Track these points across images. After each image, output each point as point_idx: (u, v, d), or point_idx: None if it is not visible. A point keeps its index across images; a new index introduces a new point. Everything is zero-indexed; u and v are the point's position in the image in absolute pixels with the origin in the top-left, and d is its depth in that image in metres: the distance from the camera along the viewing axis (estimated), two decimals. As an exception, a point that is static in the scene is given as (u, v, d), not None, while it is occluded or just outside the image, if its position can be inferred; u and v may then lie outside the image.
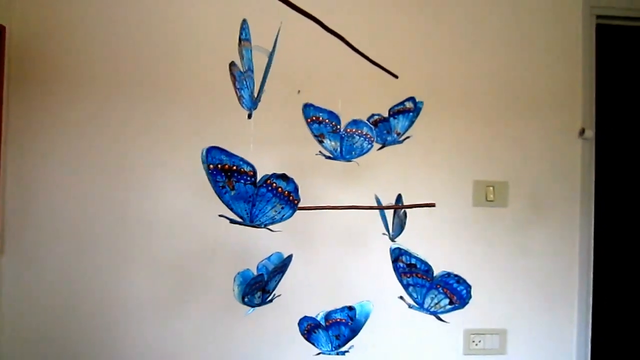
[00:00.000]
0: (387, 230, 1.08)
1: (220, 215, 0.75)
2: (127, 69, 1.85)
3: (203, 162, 0.69)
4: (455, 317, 1.99)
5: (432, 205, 0.91)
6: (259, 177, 0.72)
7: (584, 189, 2.06)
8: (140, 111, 1.85)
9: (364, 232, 1.87)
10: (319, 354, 0.96)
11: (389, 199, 1.11)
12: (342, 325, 0.94)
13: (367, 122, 1.03)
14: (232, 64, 0.81)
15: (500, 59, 2.05)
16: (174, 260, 1.86)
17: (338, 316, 0.95)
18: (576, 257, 2.06)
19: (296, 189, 0.75)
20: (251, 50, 0.81)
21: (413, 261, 0.90)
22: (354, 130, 1.02)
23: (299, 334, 0.92)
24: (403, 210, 1.07)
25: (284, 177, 0.73)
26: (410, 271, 0.91)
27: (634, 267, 2.36)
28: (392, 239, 1.08)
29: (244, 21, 0.80)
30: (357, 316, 0.96)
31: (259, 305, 0.89)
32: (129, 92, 1.85)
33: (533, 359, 2.03)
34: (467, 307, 1.96)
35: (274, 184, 0.73)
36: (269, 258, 0.97)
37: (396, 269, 0.92)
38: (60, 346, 1.82)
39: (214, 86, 1.82)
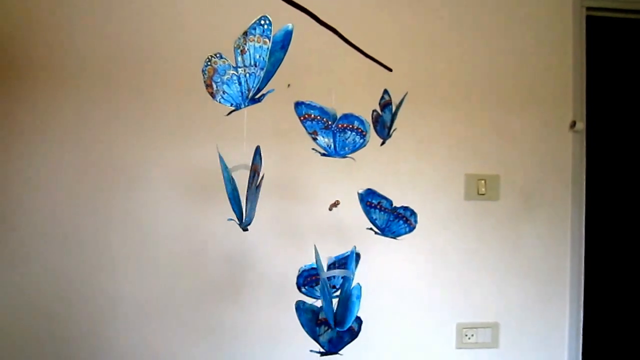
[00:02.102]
0: (374, 224, 1.13)
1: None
2: (113, 66, 1.81)
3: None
4: (447, 312, 2.00)
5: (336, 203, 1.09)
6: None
7: (575, 181, 2.06)
8: (127, 109, 1.82)
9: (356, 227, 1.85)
10: (313, 350, 1.03)
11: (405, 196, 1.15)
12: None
13: (357, 115, 1.01)
14: (215, 56, 0.79)
15: (491, 51, 2.03)
16: (163, 259, 1.83)
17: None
18: (568, 250, 2.06)
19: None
20: (267, 48, 0.79)
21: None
22: (345, 125, 1.00)
23: (294, 332, 1.01)
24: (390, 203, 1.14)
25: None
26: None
27: (625, 260, 2.38)
28: (385, 235, 1.13)
29: (264, 17, 0.79)
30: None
31: None
32: (116, 90, 1.81)
33: (525, 352, 2.04)
34: (459, 300, 1.97)
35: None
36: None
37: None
38: (49, 348, 1.78)
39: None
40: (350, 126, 0.99)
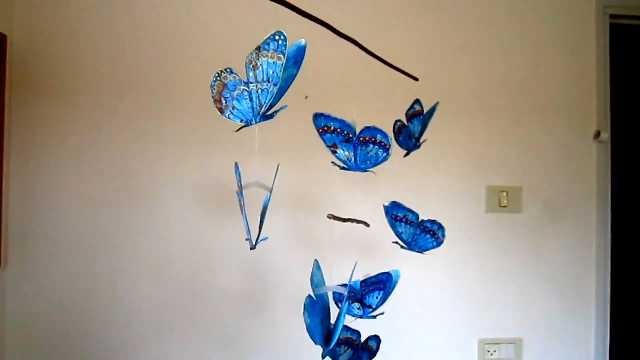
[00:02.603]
0: (400, 238, 1.10)
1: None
2: (130, 76, 1.82)
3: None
4: (469, 327, 1.96)
5: (367, 225, 1.04)
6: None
7: (600, 193, 2.01)
8: (143, 118, 1.82)
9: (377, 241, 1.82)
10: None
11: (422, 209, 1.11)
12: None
13: (380, 129, 0.99)
14: (226, 71, 0.78)
15: (513, 60, 2.00)
16: (179, 270, 1.82)
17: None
18: (593, 264, 2.00)
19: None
20: (282, 64, 0.78)
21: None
22: (367, 138, 0.98)
23: (307, 345, 0.96)
24: (416, 217, 1.11)
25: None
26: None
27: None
28: (412, 249, 1.11)
29: (279, 33, 0.77)
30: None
31: None
32: (132, 99, 1.81)
33: (550, 369, 1.98)
34: (481, 315, 1.93)
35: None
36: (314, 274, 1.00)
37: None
38: (66, 354, 1.78)
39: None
40: (373, 139, 0.96)
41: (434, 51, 1.96)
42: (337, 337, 0.91)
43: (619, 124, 2.10)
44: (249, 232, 0.87)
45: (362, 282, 1.10)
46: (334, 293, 1.07)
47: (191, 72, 1.83)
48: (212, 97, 0.80)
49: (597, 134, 1.99)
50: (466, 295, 1.95)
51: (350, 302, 1.08)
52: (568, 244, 2.00)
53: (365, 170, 0.99)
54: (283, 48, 0.78)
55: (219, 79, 0.79)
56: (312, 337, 0.92)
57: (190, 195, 1.82)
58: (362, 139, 0.97)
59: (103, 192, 1.80)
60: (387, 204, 1.08)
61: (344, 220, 1.01)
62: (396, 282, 1.11)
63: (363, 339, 1.09)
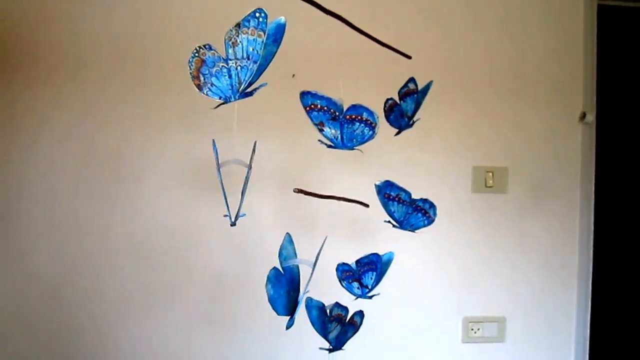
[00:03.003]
0: (392, 216, 1.10)
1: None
2: (113, 57, 1.79)
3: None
4: (453, 306, 1.98)
5: (366, 205, 1.04)
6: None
7: (584, 174, 2.03)
8: (126, 100, 1.79)
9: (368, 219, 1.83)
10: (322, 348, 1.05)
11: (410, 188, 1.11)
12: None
13: (366, 107, 0.98)
14: (204, 47, 0.77)
15: (499, 40, 2.00)
16: (164, 252, 1.81)
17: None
18: (576, 244, 2.03)
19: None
20: (262, 41, 0.77)
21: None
22: (353, 116, 0.97)
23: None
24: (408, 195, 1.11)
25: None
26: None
27: (634, 255, 2.35)
28: (403, 228, 1.12)
29: (259, 10, 0.77)
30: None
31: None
32: (115, 81, 1.79)
33: (532, 346, 2.02)
34: (465, 293, 1.95)
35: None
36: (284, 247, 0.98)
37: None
38: (52, 341, 1.78)
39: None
40: (359, 117, 0.96)
41: (422, 31, 1.95)
42: (299, 310, 0.92)
43: (605, 106, 2.11)
44: (228, 208, 0.87)
45: (357, 261, 1.11)
46: (336, 270, 1.09)
47: (173, 49, 1.80)
48: (190, 73, 0.79)
49: (583, 116, 2.00)
50: (450, 274, 1.97)
51: (350, 280, 1.10)
52: (552, 224, 2.02)
53: (351, 148, 0.99)
54: (263, 25, 0.77)
55: (197, 55, 0.79)
56: (274, 308, 0.92)
57: (173, 173, 1.81)
58: (348, 116, 0.96)
59: (86, 171, 1.78)
60: (379, 182, 1.09)
61: (314, 195, 1.00)
62: (388, 263, 1.13)
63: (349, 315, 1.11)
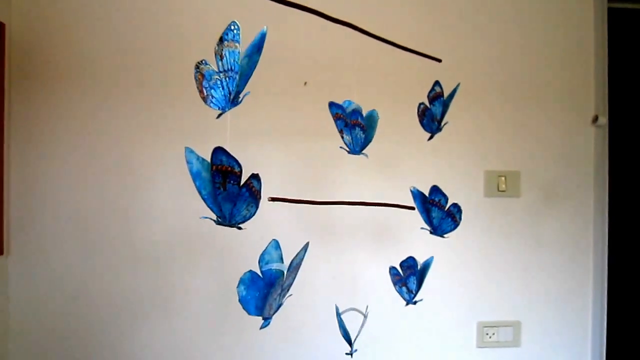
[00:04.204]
0: (431, 223, 1.09)
1: (203, 217, 0.82)
2: (127, 66, 1.82)
3: (211, 162, 0.76)
4: (468, 310, 1.98)
5: (412, 208, 1.03)
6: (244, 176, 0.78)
7: (597, 177, 2.02)
8: (141, 109, 1.82)
9: (394, 225, 1.83)
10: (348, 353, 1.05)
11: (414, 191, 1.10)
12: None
13: (359, 111, 0.99)
14: (202, 63, 0.82)
15: (511, 44, 2.00)
16: (179, 258, 1.83)
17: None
18: (590, 247, 2.02)
19: (261, 187, 0.81)
20: (238, 52, 0.81)
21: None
22: (354, 121, 0.99)
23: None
24: (448, 202, 1.10)
25: (257, 177, 0.79)
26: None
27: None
28: (437, 234, 1.11)
29: (233, 23, 0.81)
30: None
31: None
32: (130, 90, 1.82)
33: (548, 351, 2.01)
34: (480, 298, 1.94)
35: (251, 184, 0.79)
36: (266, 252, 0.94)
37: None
38: (69, 346, 1.80)
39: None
40: (356, 122, 0.98)
41: (437, 36, 1.96)
42: (277, 311, 0.92)
43: (617, 109, 2.10)
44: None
45: (400, 264, 1.11)
46: (390, 274, 1.09)
47: (184, 61, 1.82)
48: (197, 87, 0.83)
49: (595, 118, 2.00)
50: (465, 278, 1.97)
51: (400, 285, 1.10)
52: (566, 228, 2.02)
53: (358, 153, 1.00)
54: (237, 37, 0.81)
55: (198, 70, 0.83)
56: (245, 308, 0.89)
57: (181, 182, 1.81)
58: (352, 122, 0.99)
59: (101, 178, 1.81)
60: (413, 188, 1.07)
61: (289, 201, 0.97)
62: (426, 268, 1.13)
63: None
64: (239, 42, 0.81)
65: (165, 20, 1.84)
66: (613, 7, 2.06)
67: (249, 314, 0.90)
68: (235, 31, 0.81)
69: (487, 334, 1.97)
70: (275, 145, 1.84)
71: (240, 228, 0.83)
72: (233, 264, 1.84)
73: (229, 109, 0.84)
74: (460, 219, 1.09)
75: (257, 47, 0.84)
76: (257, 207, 0.82)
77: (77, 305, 1.80)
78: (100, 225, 1.81)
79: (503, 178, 1.97)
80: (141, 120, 1.82)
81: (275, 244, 0.94)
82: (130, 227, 1.82)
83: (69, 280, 1.80)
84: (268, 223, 1.07)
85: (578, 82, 2.02)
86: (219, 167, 0.77)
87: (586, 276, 2.02)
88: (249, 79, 0.84)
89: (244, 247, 1.76)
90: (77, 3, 1.80)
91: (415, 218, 1.13)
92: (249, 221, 0.87)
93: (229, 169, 0.77)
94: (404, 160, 1.91)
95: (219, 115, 0.85)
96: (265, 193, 0.88)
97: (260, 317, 0.89)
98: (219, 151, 0.75)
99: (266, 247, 0.94)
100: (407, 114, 1.87)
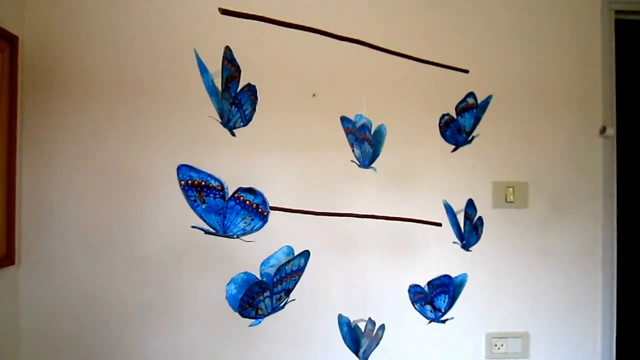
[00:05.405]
0: (463, 236, 1.07)
1: (193, 227, 0.81)
2: (135, 80, 1.84)
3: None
4: (477, 321, 1.97)
5: (439, 224, 1.03)
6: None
7: (605, 188, 2.02)
8: (149, 121, 1.84)
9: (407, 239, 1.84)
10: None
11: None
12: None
13: (368, 126, 0.99)
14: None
15: (518, 56, 2.01)
16: (186, 266, 1.84)
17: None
18: (599, 258, 2.01)
19: (264, 201, 0.80)
20: (211, 76, 0.87)
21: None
22: (362, 135, 0.98)
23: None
24: (477, 215, 1.10)
25: (250, 190, 0.79)
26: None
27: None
28: (465, 248, 1.10)
29: (226, 47, 0.86)
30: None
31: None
32: (136, 100, 1.84)
33: (557, 362, 2.00)
34: (488, 309, 1.93)
35: (242, 197, 0.79)
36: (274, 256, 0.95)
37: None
38: (79, 353, 1.81)
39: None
40: (363, 136, 0.97)
41: (444, 48, 1.97)
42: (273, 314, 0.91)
43: (625, 120, 2.10)
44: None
45: (428, 283, 1.07)
46: (409, 292, 1.07)
47: (190, 76, 1.83)
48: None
49: (603, 130, 2.00)
50: (473, 289, 1.95)
51: (423, 303, 1.07)
52: (574, 239, 2.01)
53: (367, 167, 0.99)
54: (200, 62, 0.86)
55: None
56: (231, 304, 0.90)
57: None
58: (361, 136, 0.98)
59: (110, 187, 1.82)
60: (445, 202, 1.06)
61: (300, 212, 0.99)
62: (461, 285, 1.10)
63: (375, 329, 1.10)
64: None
65: (174, 33, 1.86)
66: (620, 18, 2.07)
67: (234, 310, 0.88)
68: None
69: (495, 345, 1.96)
70: (289, 156, 1.85)
71: (245, 240, 0.83)
72: (240, 272, 1.84)
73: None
74: (481, 231, 1.07)
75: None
76: (263, 221, 0.81)
77: (87, 313, 1.82)
78: (108, 235, 1.82)
79: (511, 189, 1.97)
80: (149, 132, 1.84)
81: (288, 250, 0.94)
82: (138, 236, 1.84)
83: (78, 289, 1.81)
84: (279, 235, 1.07)
85: (586, 93, 2.03)
86: (188, 182, 0.79)
87: (595, 287, 2.02)
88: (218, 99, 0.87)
89: (250, 255, 1.77)
90: (87, 19, 1.83)
91: (428, 232, 1.12)
92: (257, 233, 0.87)
93: (203, 183, 0.79)
94: (414, 172, 1.91)
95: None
96: (278, 204, 0.87)
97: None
98: (183, 168, 0.78)
99: (275, 252, 0.94)
100: (417, 127, 1.89)
